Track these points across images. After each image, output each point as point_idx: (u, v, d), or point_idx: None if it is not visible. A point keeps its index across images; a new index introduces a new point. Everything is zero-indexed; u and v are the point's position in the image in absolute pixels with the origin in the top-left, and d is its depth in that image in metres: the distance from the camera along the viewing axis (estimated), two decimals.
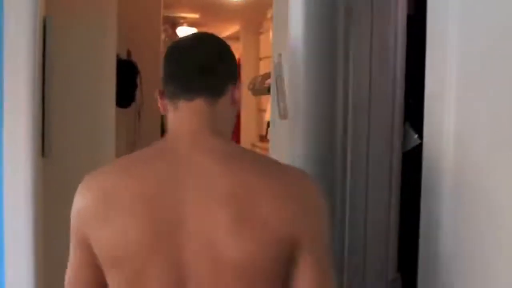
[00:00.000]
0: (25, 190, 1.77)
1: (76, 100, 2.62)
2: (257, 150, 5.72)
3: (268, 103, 4.98)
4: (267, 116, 4.95)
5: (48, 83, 2.05)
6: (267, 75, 4.42)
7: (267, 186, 1.18)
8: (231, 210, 1.15)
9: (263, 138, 5.52)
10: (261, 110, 5.82)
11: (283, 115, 2.14)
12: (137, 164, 1.23)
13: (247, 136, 6.04)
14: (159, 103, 1.33)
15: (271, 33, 5.19)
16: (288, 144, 2.08)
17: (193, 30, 6.60)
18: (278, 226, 1.16)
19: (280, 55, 2.19)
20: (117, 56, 3.02)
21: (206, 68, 1.29)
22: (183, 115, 1.28)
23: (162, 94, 1.33)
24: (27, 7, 1.77)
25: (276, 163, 1.27)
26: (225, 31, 7.03)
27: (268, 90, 4.06)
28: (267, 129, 4.99)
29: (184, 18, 6.21)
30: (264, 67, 5.65)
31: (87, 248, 1.21)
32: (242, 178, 1.18)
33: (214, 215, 1.16)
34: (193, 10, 5.86)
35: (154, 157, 1.24)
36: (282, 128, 2.21)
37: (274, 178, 1.20)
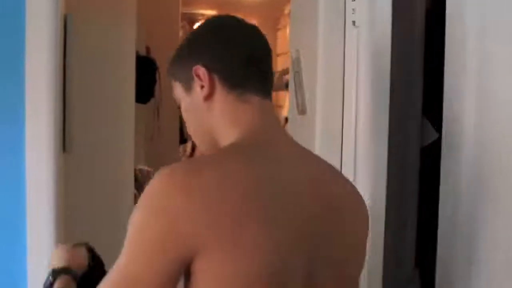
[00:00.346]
0: (47, 184, 1.79)
1: (96, 96, 2.64)
2: None
3: (286, 99, 4.98)
4: (285, 112, 4.95)
5: (68, 79, 2.07)
6: (285, 71, 4.42)
7: (358, 197, 1.20)
8: (349, 224, 1.13)
9: None
10: (278, 106, 5.81)
11: (301, 110, 2.15)
12: (250, 161, 1.02)
13: None
14: (205, 82, 1.12)
15: (288, 29, 5.19)
16: (306, 140, 2.09)
17: None
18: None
19: (298, 50, 2.21)
20: (136, 52, 3.04)
21: (271, 68, 1.23)
22: (257, 110, 1.13)
23: (211, 72, 1.12)
24: (48, 5, 1.79)
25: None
26: None
27: (286, 86, 4.07)
28: (284, 125, 4.99)
29: (202, 14, 6.22)
30: (282, 63, 5.64)
31: (179, 263, 0.93)
32: (342, 190, 1.17)
33: (338, 227, 1.10)
34: (211, 7, 5.88)
35: (262, 154, 1.06)
36: (300, 124, 2.22)
37: (355, 188, 1.23)
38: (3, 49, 1.80)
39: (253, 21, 6.40)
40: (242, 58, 1.13)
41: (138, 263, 0.94)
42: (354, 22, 1.91)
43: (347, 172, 1.91)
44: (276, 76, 4.74)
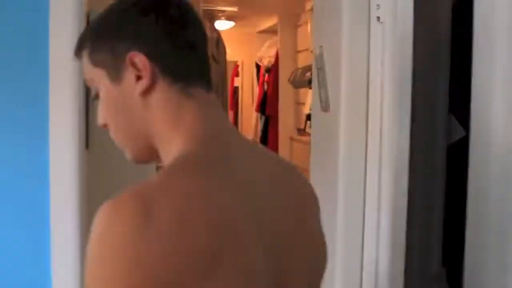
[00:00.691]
0: (70, 181, 1.79)
1: None
2: (296, 143, 5.71)
3: (307, 96, 4.96)
4: (306, 109, 4.93)
5: None
6: (307, 68, 4.40)
7: (316, 198, 1.07)
8: (309, 227, 1.01)
9: (302, 132, 5.50)
10: (299, 103, 5.80)
11: (324, 107, 2.13)
12: (212, 180, 0.84)
13: (285, 130, 6.02)
14: (144, 72, 0.91)
15: (309, 26, 5.16)
16: (329, 137, 2.07)
17: (231, 24, 6.61)
18: None
19: (321, 47, 2.18)
20: None
21: (208, 55, 1.02)
22: (204, 107, 0.95)
23: (152, 61, 0.91)
24: (72, 2, 1.79)
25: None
26: (262, 24, 7.02)
27: (308, 83, 4.05)
28: (305, 122, 4.97)
29: (222, 11, 6.21)
30: (302, 60, 5.62)
31: None
32: (308, 192, 1.05)
33: (308, 236, 0.99)
34: (232, 4, 5.87)
35: (223, 167, 0.87)
36: (323, 121, 2.20)
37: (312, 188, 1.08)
38: (26, 46, 1.81)
39: (273, 17, 6.40)
40: (183, 42, 0.94)
41: None
42: (378, 18, 1.89)
43: (372, 171, 1.89)
44: (298, 72, 4.72)
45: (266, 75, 6.38)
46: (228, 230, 0.79)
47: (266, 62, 6.48)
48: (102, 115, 0.99)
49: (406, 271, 1.75)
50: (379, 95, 1.88)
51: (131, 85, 0.92)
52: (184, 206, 0.77)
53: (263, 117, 6.31)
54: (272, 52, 6.37)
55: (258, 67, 6.84)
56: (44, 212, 1.80)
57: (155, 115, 0.93)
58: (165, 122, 0.92)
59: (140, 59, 0.90)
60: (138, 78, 0.91)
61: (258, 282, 0.82)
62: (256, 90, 6.81)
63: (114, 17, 0.95)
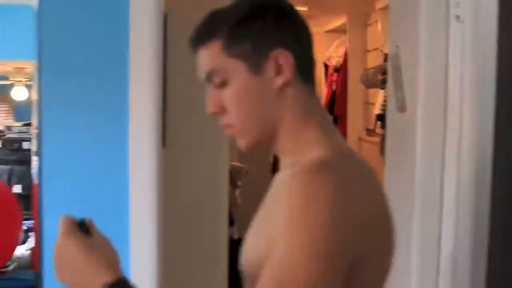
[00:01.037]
0: (149, 179, 1.84)
1: (194, 93, 2.67)
2: (365, 144, 5.64)
3: (377, 96, 4.89)
4: (376, 109, 4.86)
5: (169, 76, 2.12)
6: (379, 68, 4.32)
7: None
8: None
9: (371, 132, 5.43)
10: (368, 103, 5.72)
11: (400, 107, 2.10)
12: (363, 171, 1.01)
13: (354, 130, 5.96)
14: (286, 69, 0.99)
15: (379, 25, 5.09)
16: (405, 139, 2.04)
17: None
18: None
19: (397, 46, 2.15)
20: None
21: None
22: (322, 107, 1.08)
23: (293, 62, 0.99)
24: (151, 4, 1.83)
25: None
26: (331, 24, 6.96)
27: (381, 83, 3.99)
28: (375, 123, 4.90)
29: None
30: (372, 60, 5.54)
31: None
32: None
33: None
34: (301, 3, 5.85)
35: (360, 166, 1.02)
36: (399, 122, 2.17)
37: None
38: (108, 48, 1.86)
39: (342, 16, 6.35)
40: (311, 42, 1.04)
41: (331, 276, 0.86)
42: (458, 17, 1.85)
43: (450, 175, 1.85)
44: (370, 72, 4.66)
45: (335, 74, 6.32)
46: (381, 209, 0.97)
47: (334, 61, 6.42)
48: (216, 102, 1.04)
49: (488, 277, 1.70)
50: (458, 96, 1.83)
51: (270, 78, 0.99)
52: (359, 180, 0.94)
53: (331, 117, 6.26)
54: (341, 51, 6.30)
55: (326, 66, 6.79)
56: (123, 212, 1.85)
57: (287, 109, 1.00)
58: (297, 116, 1.01)
59: (284, 57, 0.98)
60: (278, 73, 0.99)
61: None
62: (324, 89, 6.77)
63: (255, 14, 1.00)
